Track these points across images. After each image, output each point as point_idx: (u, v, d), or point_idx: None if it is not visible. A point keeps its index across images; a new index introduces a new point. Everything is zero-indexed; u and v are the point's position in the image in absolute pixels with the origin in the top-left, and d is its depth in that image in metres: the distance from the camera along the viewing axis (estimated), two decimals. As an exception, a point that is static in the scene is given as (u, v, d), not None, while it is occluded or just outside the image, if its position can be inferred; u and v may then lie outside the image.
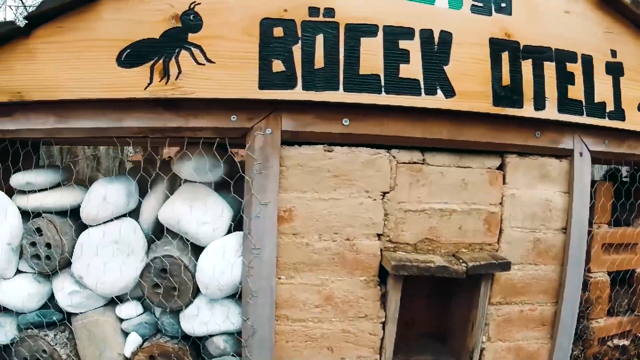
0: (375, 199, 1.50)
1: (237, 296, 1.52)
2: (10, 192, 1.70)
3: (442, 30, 1.49)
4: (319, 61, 1.44)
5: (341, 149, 1.49)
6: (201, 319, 1.53)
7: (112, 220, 1.61)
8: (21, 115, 1.60)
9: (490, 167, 1.57)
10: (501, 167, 1.59)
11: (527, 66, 1.56)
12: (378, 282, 1.52)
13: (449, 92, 1.48)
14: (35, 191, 1.64)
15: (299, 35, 1.43)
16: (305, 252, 1.49)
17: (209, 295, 1.50)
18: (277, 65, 1.43)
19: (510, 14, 1.56)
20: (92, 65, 1.48)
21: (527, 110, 1.55)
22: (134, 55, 1.45)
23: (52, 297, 1.72)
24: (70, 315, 1.69)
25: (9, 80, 1.55)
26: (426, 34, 1.48)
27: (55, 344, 1.64)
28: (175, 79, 1.44)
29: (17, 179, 1.65)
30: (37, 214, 1.64)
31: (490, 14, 1.54)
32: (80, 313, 1.67)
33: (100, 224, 1.60)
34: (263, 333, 1.49)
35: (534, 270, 1.62)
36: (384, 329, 1.54)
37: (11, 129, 1.61)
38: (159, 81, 1.44)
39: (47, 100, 1.54)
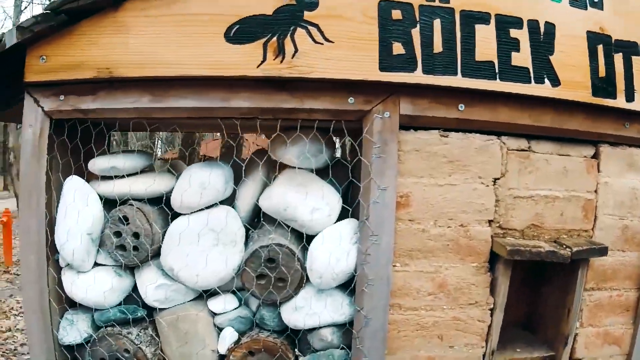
0: (487, 185, 1.50)
1: (350, 286, 1.46)
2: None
3: (546, 22, 1.53)
4: (437, 46, 1.43)
5: (456, 134, 1.48)
6: (308, 310, 1.46)
7: (207, 208, 1.51)
8: (107, 94, 1.48)
9: (586, 156, 1.62)
10: (595, 156, 1.64)
11: (618, 60, 1.62)
12: (488, 268, 1.52)
13: (555, 81, 1.52)
14: (122, 177, 1.51)
15: (417, 19, 1.42)
16: (421, 238, 1.47)
17: (323, 284, 1.43)
18: (397, 48, 1.41)
19: (602, 8, 1.62)
20: (195, 40, 1.39)
21: (620, 101, 1.61)
22: (244, 31, 1.39)
23: (131, 293, 1.59)
24: (154, 311, 1.56)
25: (95, 55, 1.44)
26: (533, 24, 1.51)
27: (140, 343, 1.51)
28: (292, 58, 1.38)
29: (101, 164, 1.52)
30: (123, 202, 1.51)
31: (586, 8, 1.60)
32: (167, 308, 1.54)
33: (194, 212, 1.50)
34: (376, 323, 1.44)
35: (621, 256, 1.68)
36: (491, 315, 1.53)
37: (94, 109, 1.48)
38: (273, 59, 1.38)
39: (140, 78, 1.43)
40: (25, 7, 12.56)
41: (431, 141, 1.47)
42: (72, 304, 1.62)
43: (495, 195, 1.51)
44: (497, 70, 1.46)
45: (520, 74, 1.48)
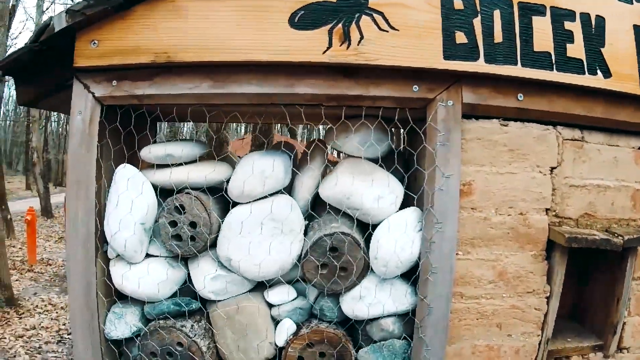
0: (545, 174, 1.52)
1: (412, 276, 1.45)
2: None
3: (596, 15, 1.56)
4: (498, 36, 1.44)
5: (515, 123, 1.50)
6: (371, 299, 1.45)
7: (266, 197, 1.48)
8: (164, 79, 1.45)
9: (634, 147, 1.65)
10: (641, 147, 1.68)
11: (660, 53, 1.67)
12: (545, 256, 1.53)
13: (607, 73, 1.55)
14: (179, 165, 1.47)
15: (478, 9, 1.43)
16: (483, 226, 1.47)
17: (387, 273, 1.42)
18: (460, 37, 1.42)
19: (646, 4, 1.67)
20: (259, 26, 1.38)
21: (663, 94, 1.66)
22: (309, 17, 1.38)
23: (183, 285, 1.54)
24: (207, 303, 1.52)
25: (153, 39, 1.41)
26: (585, 17, 1.55)
27: (194, 336, 1.47)
28: (357, 45, 1.37)
29: (157, 151, 1.48)
30: (178, 191, 1.47)
31: (632, 3, 1.64)
32: (221, 300, 1.51)
33: (254, 201, 1.47)
34: (439, 312, 1.43)
35: (664, 245, 1.71)
36: (547, 304, 1.54)
37: (150, 94, 1.45)
38: (339, 46, 1.37)
39: (201, 63, 1.40)
40: (47, 8, 12.33)
41: (492, 130, 1.48)
42: (120, 298, 1.57)
43: (552, 184, 1.53)
44: (553, 61, 1.48)
45: (575, 65, 1.51)
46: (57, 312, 4.53)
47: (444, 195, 1.41)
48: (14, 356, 3.44)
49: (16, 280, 5.40)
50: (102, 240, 1.51)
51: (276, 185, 1.47)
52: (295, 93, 1.41)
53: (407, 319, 1.48)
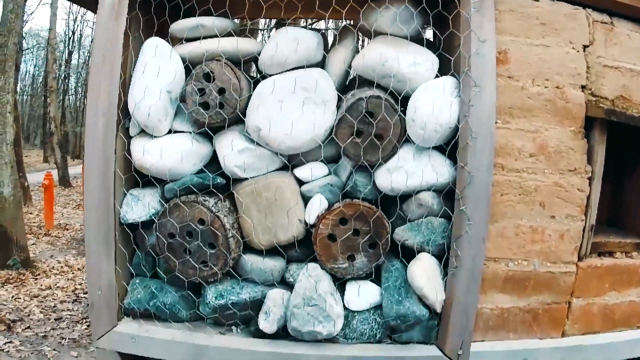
0: (578, 51, 1.50)
1: (450, 151, 1.38)
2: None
3: None
4: None
5: (545, 0, 1.50)
6: (408, 170, 1.37)
7: (297, 68, 1.43)
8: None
9: (661, 39, 1.66)
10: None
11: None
12: (584, 134, 1.48)
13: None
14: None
15: None
16: (520, 96, 1.43)
17: (425, 137, 1.35)
18: None
19: None
20: None
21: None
22: None
23: (209, 164, 1.46)
24: (232, 183, 1.43)
25: None
26: None
27: (217, 211, 1.36)
28: None
29: (187, 23, 1.45)
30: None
31: None
32: (248, 179, 1.41)
33: (284, 71, 1.42)
34: (480, 183, 1.35)
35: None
36: (590, 185, 1.47)
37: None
38: None
39: None
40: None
41: (524, 3, 1.47)
42: (138, 185, 1.48)
43: (586, 62, 1.50)
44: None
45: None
46: (73, 273, 4.44)
47: (481, 60, 1.37)
48: (28, 315, 3.31)
49: (33, 244, 5.32)
50: (124, 114, 1.44)
51: (308, 56, 1.42)
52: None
53: (447, 192, 1.39)
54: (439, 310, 1.39)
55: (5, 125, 4.20)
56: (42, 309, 3.52)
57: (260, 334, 1.42)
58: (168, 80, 1.39)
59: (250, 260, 1.40)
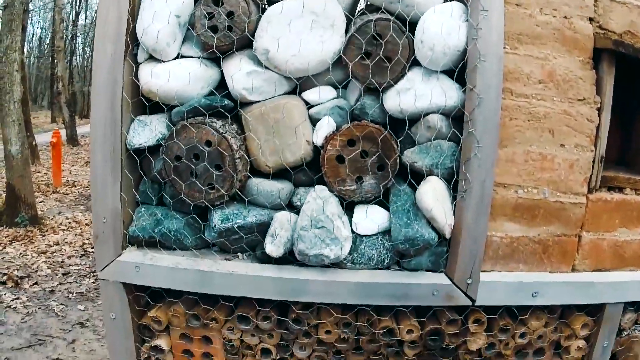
0: (585, -17, 1.51)
1: (455, 71, 1.38)
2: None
3: None
4: None
5: None
6: (416, 92, 1.36)
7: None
8: None
9: (666, -18, 1.66)
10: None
11: None
12: (593, 65, 1.48)
13: None
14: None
15: None
16: (529, 23, 1.43)
17: (433, 59, 1.35)
18: None
19: None
20: None
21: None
22: None
23: (217, 90, 1.46)
24: (241, 106, 1.42)
25: None
26: None
27: (225, 132, 1.36)
28: None
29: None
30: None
31: None
32: (256, 102, 1.41)
33: (293, -4, 1.43)
34: (489, 105, 1.35)
35: None
36: (599, 116, 1.47)
37: None
38: None
39: None
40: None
41: None
42: (145, 112, 1.47)
43: (593, -5, 1.51)
44: None
45: None
46: (81, 229, 4.47)
47: (488, -16, 1.38)
48: (36, 271, 3.31)
49: (41, 202, 5.34)
50: (132, 40, 1.44)
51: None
52: None
53: (456, 117, 1.38)
54: (448, 235, 1.37)
55: (13, 84, 4.23)
56: (50, 264, 3.54)
57: (267, 259, 1.40)
58: (177, 4, 1.39)
59: (257, 183, 1.39)
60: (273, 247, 1.36)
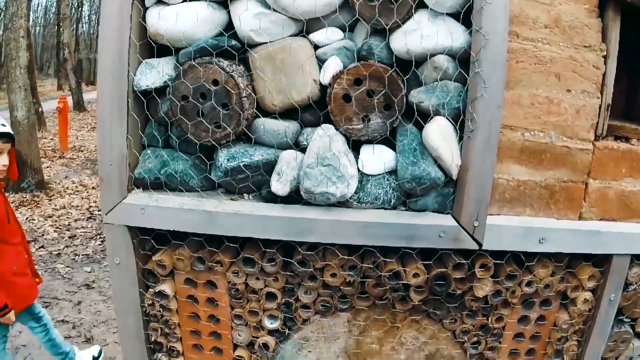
0: None
1: (462, 11, 1.39)
2: None
3: None
4: None
5: None
6: (422, 32, 1.37)
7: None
8: None
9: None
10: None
11: None
12: (598, 14, 1.48)
13: None
14: None
15: None
16: (534, -31, 1.44)
17: (438, 0, 1.36)
18: None
19: None
20: None
21: None
22: None
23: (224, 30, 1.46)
24: (249, 47, 1.43)
25: None
26: None
27: (232, 71, 1.36)
28: None
29: None
30: None
31: None
32: (263, 44, 1.42)
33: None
34: (495, 46, 1.35)
35: None
36: (605, 64, 1.47)
37: None
38: None
39: None
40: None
41: None
42: (153, 57, 1.48)
43: (598, -54, 1.53)
44: None
45: None
46: (87, 192, 4.48)
47: None
48: (42, 235, 3.30)
49: (47, 167, 5.36)
50: (141, -16, 1.45)
51: None
52: None
53: (462, 60, 1.39)
54: (454, 175, 1.37)
55: (19, 50, 4.25)
56: (56, 228, 3.53)
57: (272, 198, 1.40)
58: (186, -54, 1.41)
59: (264, 122, 1.39)
60: (279, 185, 1.36)
